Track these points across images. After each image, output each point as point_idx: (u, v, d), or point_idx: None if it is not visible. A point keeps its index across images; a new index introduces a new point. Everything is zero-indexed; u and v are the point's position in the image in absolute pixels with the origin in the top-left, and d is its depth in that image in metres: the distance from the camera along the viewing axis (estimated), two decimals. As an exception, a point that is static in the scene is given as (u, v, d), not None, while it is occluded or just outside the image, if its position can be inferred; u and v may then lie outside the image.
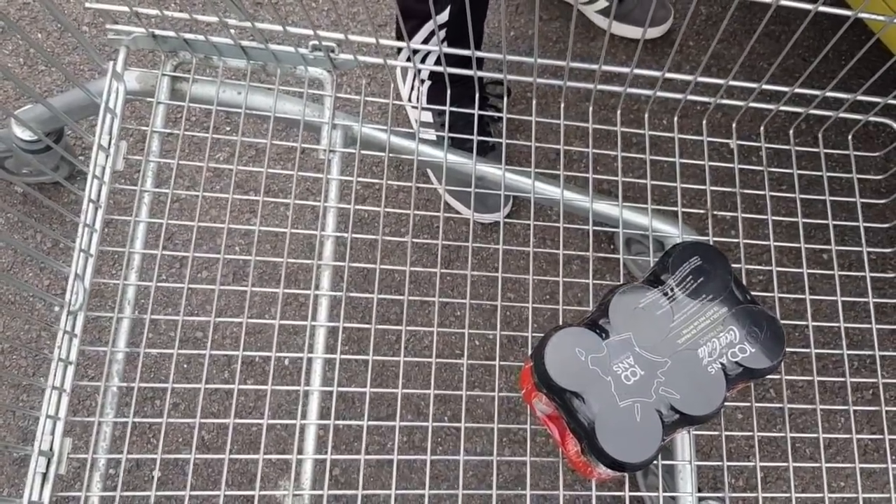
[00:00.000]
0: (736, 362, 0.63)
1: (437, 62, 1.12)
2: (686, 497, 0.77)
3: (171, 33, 0.80)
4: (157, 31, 0.80)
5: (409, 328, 0.97)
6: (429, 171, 1.26)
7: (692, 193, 1.22)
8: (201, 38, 0.80)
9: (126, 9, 0.78)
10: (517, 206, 1.24)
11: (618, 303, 0.64)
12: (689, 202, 1.21)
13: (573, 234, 1.20)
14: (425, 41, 1.11)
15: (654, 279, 0.67)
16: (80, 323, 0.70)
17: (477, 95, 0.85)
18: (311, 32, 0.79)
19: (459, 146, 0.94)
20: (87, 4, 0.84)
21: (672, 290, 0.65)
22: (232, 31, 0.79)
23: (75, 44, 1.27)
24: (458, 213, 1.23)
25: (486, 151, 1.19)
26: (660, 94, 0.81)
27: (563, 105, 0.83)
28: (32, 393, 1.05)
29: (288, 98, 0.85)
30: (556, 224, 0.81)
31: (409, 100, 1.26)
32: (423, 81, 1.17)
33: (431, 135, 1.20)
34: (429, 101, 1.19)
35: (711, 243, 0.75)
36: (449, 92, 0.84)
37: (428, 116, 1.22)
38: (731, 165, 0.84)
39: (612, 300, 0.65)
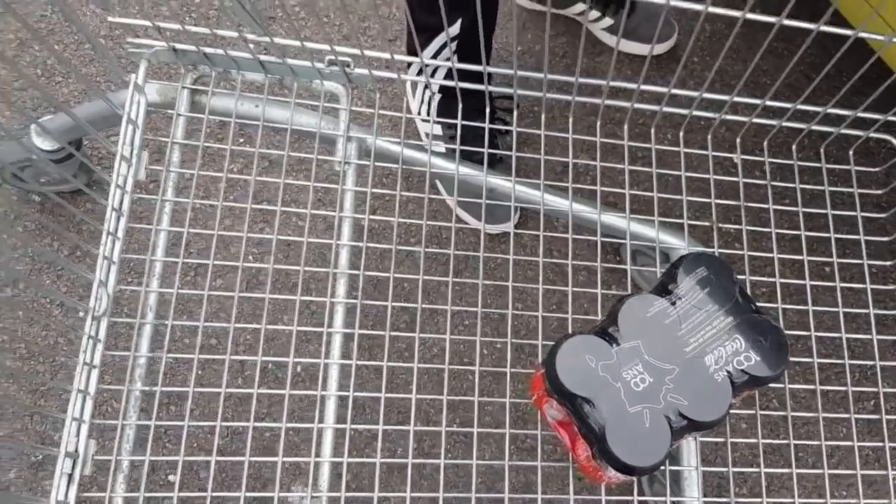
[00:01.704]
0: (741, 370, 0.65)
1: (447, 76, 1.15)
2: (693, 502, 0.79)
3: (192, 47, 0.82)
4: (178, 45, 0.83)
5: (421, 335, 0.99)
6: (438, 182, 1.28)
7: (697, 206, 1.24)
8: (220, 52, 0.83)
9: (148, 23, 0.81)
10: (524, 217, 1.26)
11: (627, 311, 0.66)
12: (693, 215, 1.23)
13: (578, 246, 1.22)
14: (436, 54, 1.13)
15: (661, 289, 0.69)
16: (104, 328, 0.72)
17: (488, 109, 0.87)
18: (327, 47, 0.82)
19: (467, 158, 0.96)
20: (110, 19, 0.86)
21: (679, 299, 0.67)
22: (250, 45, 0.81)
23: (91, 56, 1.29)
24: (466, 223, 1.25)
25: (494, 164, 1.21)
26: (666, 109, 0.83)
27: (571, 119, 0.86)
28: (50, 398, 1.07)
29: (304, 111, 0.87)
30: (564, 235, 0.83)
31: (419, 113, 1.29)
32: (433, 94, 1.19)
33: (441, 147, 1.22)
34: (439, 115, 1.21)
35: (717, 255, 0.78)
36: (461, 106, 0.86)
37: (437, 129, 1.24)
38: (735, 179, 0.87)
39: (622, 309, 0.67)
